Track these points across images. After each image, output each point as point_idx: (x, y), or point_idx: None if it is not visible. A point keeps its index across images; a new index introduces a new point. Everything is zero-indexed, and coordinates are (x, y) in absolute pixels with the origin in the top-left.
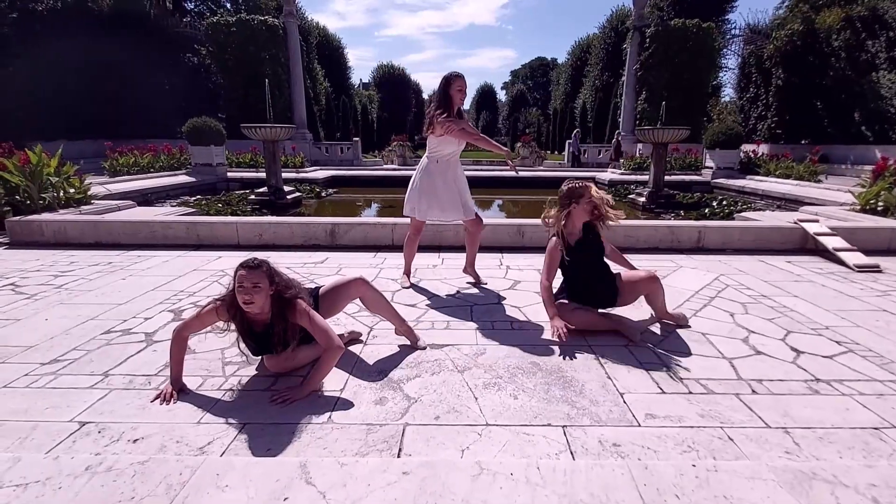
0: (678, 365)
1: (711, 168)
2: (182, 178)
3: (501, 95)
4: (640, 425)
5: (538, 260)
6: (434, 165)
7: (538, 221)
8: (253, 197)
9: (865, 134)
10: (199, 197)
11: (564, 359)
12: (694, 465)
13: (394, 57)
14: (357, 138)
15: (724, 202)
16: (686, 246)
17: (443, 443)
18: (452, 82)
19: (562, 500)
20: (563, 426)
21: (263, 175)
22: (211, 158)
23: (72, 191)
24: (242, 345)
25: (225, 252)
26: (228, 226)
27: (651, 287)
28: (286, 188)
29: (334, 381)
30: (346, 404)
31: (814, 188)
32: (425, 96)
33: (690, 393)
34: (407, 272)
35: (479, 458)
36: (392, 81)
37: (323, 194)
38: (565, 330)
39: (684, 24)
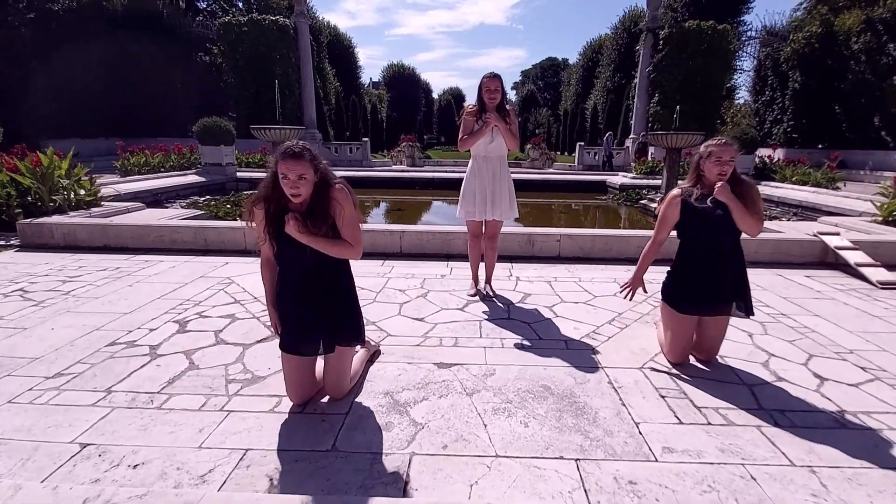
0: (696, 390)
1: None
2: (192, 178)
3: (512, 95)
4: (657, 460)
5: (548, 270)
6: (472, 164)
7: (548, 230)
8: None
9: (885, 139)
10: (208, 197)
11: (577, 383)
12: None
13: (403, 56)
14: (366, 139)
15: None
16: None
17: (450, 476)
18: (482, 85)
19: None
20: (577, 459)
21: None
22: (221, 158)
23: (82, 192)
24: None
25: (232, 258)
26: (236, 231)
27: None
28: None
29: (340, 404)
30: (351, 428)
31: (832, 196)
32: (435, 96)
33: (709, 424)
34: (474, 278)
35: (488, 497)
36: (402, 81)
37: None
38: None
39: (699, 26)
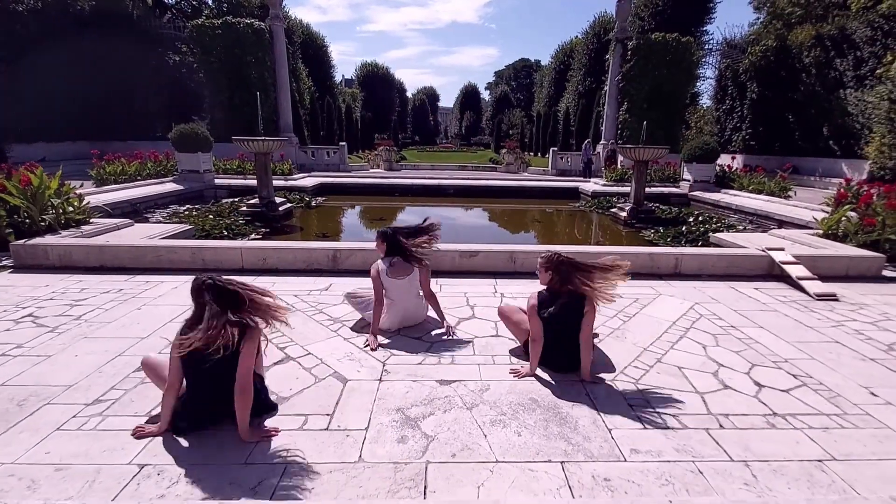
0: (657, 399)
1: (689, 181)
2: (170, 186)
3: (485, 95)
4: (626, 460)
5: (530, 286)
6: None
7: (529, 248)
8: (245, 209)
9: (833, 148)
10: (188, 207)
11: (559, 395)
12: (670, 502)
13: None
14: (343, 143)
15: (700, 218)
16: (664, 272)
17: (461, 480)
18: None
19: None
20: (562, 462)
21: (251, 182)
22: (198, 165)
23: (70, 210)
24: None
25: (233, 277)
26: (233, 250)
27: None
28: (277, 199)
29: (359, 420)
30: (373, 444)
31: (784, 205)
32: (409, 95)
33: (668, 428)
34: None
35: (494, 496)
36: (376, 80)
37: (312, 203)
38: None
39: (664, 38)
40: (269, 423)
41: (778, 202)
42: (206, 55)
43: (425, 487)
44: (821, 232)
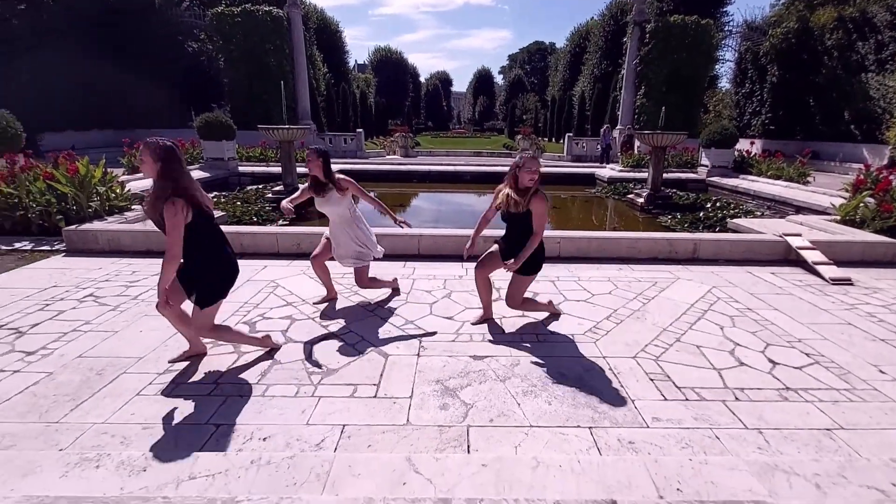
0: (677, 375)
1: (707, 166)
2: (196, 174)
3: (499, 79)
4: (648, 426)
5: (551, 270)
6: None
7: (548, 233)
8: (270, 195)
9: (854, 132)
10: (216, 193)
11: (585, 370)
12: (690, 460)
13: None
14: (360, 130)
15: (718, 204)
16: (682, 257)
17: (500, 441)
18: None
19: (598, 486)
20: (590, 427)
21: (273, 169)
22: (223, 153)
23: (113, 196)
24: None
25: (269, 260)
26: (269, 236)
27: None
28: (300, 186)
29: (403, 389)
30: (418, 409)
31: (802, 191)
32: (422, 79)
33: (687, 400)
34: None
35: (532, 453)
36: (389, 65)
37: None
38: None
39: (683, 21)
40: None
41: (796, 188)
42: (226, 43)
43: (468, 446)
44: (838, 218)
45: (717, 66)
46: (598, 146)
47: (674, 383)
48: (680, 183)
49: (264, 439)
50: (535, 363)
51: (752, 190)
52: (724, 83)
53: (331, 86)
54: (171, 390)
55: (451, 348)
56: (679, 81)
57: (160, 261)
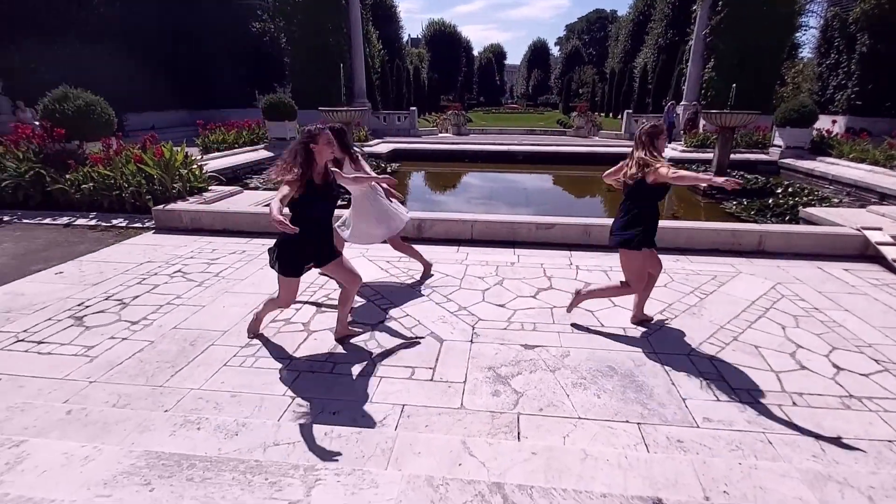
0: (732, 375)
1: (780, 147)
2: (261, 154)
3: (555, 51)
4: (698, 427)
5: (604, 259)
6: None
7: (603, 221)
8: None
9: None
10: None
11: (636, 365)
12: (740, 463)
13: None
14: (414, 108)
15: (791, 190)
16: (747, 249)
17: (549, 430)
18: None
19: (645, 481)
20: (638, 423)
21: None
22: (285, 133)
23: (192, 178)
24: None
25: None
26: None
27: None
28: None
29: (457, 374)
30: (471, 395)
31: (888, 176)
32: (475, 53)
33: (741, 402)
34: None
35: (579, 445)
36: (443, 40)
37: (388, 170)
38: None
39: None
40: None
41: (882, 173)
42: (288, 24)
43: (519, 433)
44: None
45: (797, 35)
46: (661, 123)
47: (728, 384)
48: (749, 165)
49: (334, 413)
50: (586, 355)
51: (831, 174)
52: (806, 53)
53: (385, 62)
54: (252, 363)
55: (503, 336)
56: (753, 53)
57: (236, 240)
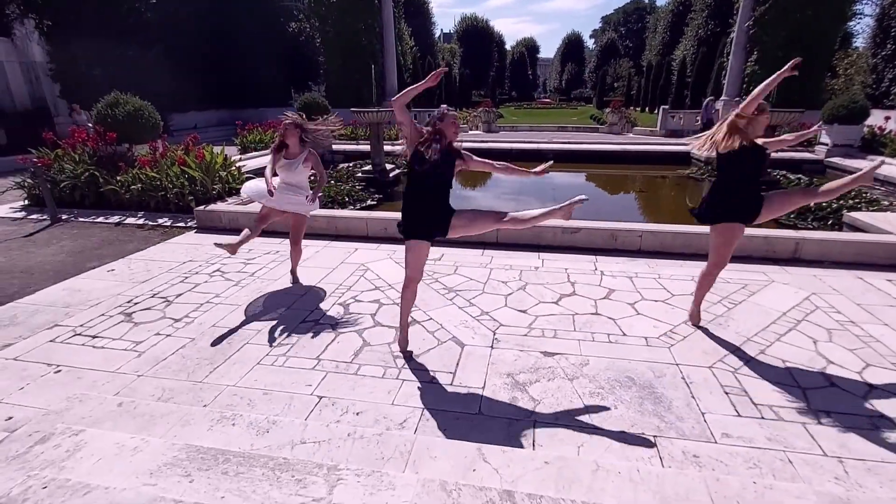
0: (755, 389)
1: (827, 145)
2: None
3: (590, 44)
4: (716, 442)
5: (630, 265)
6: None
7: (630, 226)
8: (360, 175)
9: None
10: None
11: (655, 376)
12: (754, 482)
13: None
14: (444, 105)
15: None
16: (781, 256)
17: (563, 440)
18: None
19: (655, 496)
20: (654, 436)
21: (362, 147)
22: None
23: (231, 179)
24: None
25: (359, 243)
26: (360, 220)
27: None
28: (387, 166)
29: (476, 379)
30: (489, 400)
31: None
32: (507, 47)
33: (762, 418)
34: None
35: (593, 456)
36: (475, 35)
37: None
38: None
39: None
40: None
41: None
42: (322, 24)
43: (534, 441)
44: None
45: (850, 24)
46: (699, 120)
47: (750, 399)
48: (793, 164)
49: (357, 414)
50: (605, 364)
51: (882, 174)
52: (860, 42)
53: (416, 59)
54: (283, 363)
55: (523, 342)
56: (800, 45)
57: (273, 240)
